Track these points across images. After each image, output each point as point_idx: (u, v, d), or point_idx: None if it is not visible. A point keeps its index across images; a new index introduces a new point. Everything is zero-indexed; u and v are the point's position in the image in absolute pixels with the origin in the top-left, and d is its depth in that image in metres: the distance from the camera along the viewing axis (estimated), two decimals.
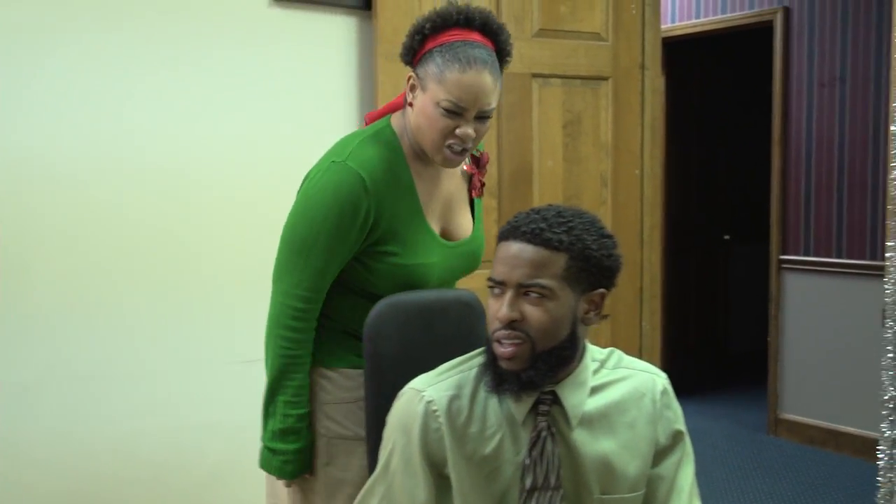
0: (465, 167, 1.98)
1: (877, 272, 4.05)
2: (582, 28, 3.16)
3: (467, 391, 1.54)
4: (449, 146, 1.79)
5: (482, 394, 1.54)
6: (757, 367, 5.61)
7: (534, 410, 1.52)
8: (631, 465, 1.57)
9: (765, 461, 4.54)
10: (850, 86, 4.44)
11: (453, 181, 1.96)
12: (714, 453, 4.68)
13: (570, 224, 1.49)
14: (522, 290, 1.48)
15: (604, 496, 1.55)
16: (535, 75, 3.08)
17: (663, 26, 5.23)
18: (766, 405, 5.03)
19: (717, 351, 6.26)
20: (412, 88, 1.83)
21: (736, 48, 5.95)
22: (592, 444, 1.54)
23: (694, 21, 5.26)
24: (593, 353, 1.63)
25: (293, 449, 1.84)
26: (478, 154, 1.98)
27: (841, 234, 4.55)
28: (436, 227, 1.91)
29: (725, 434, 5.03)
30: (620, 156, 3.23)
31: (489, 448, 1.52)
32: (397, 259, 1.84)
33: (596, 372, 1.60)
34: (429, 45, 1.78)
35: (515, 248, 1.49)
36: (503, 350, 1.48)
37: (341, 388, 1.89)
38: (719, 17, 5.11)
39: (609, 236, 1.54)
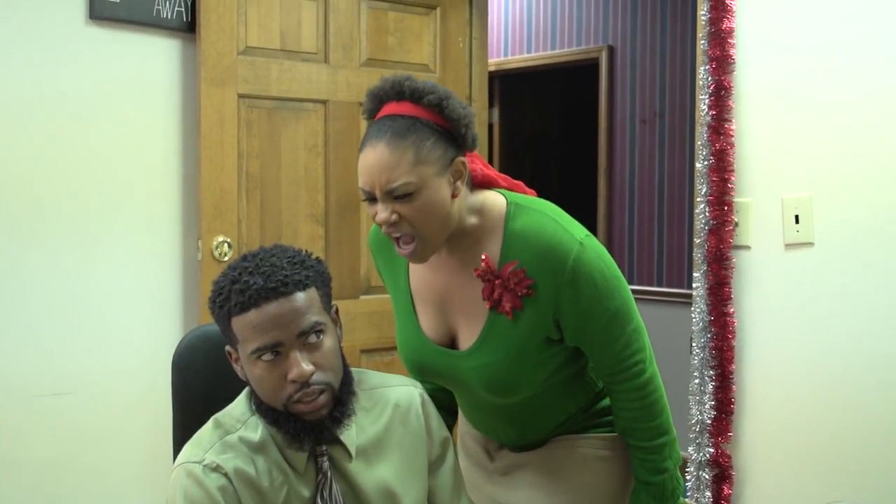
0: (477, 274, 1.66)
1: (689, 300, 4.25)
2: (410, 59, 3.20)
3: (242, 451, 1.48)
4: (390, 238, 1.62)
5: (253, 450, 1.48)
6: None
7: (312, 452, 1.51)
8: (413, 486, 1.58)
9: None
10: (668, 122, 4.67)
11: (462, 276, 1.69)
12: None
13: None
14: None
15: None
16: (361, 104, 3.08)
17: (498, 59, 5.37)
18: None
19: None
20: None
21: (568, 81, 6.16)
22: (371, 474, 1.54)
23: (526, 55, 5.41)
24: None
25: None
26: (484, 265, 1.64)
27: (661, 264, 4.76)
28: (430, 324, 1.74)
29: None
30: None
31: (281, 500, 1.47)
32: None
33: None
34: None
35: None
36: (306, 406, 1.45)
37: None
38: (549, 52, 5.28)
39: None
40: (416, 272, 1.76)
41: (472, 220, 1.66)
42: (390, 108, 1.58)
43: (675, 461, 1.75)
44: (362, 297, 3.12)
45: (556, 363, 1.71)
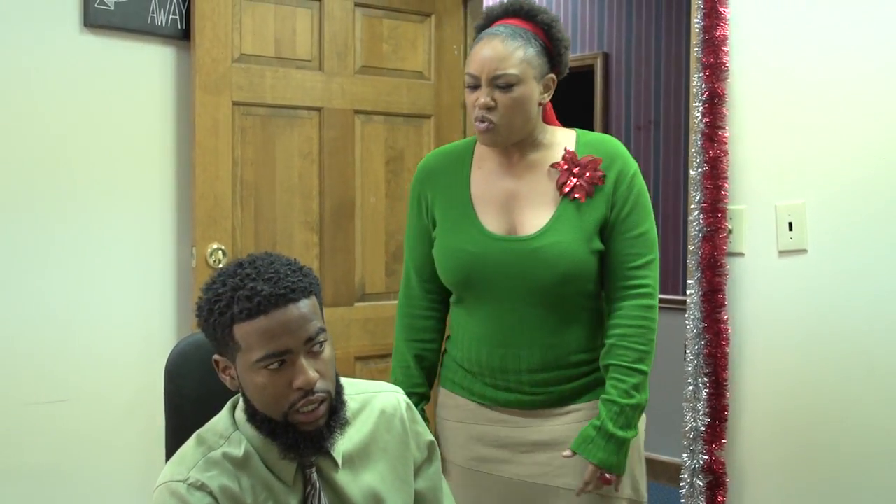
0: (554, 165, 1.93)
1: (683, 307, 4.25)
2: (404, 66, 3.20)
3: (226, 467, 1.46)
4: (476, 119, 1.86)
5: (237, 466, 1.46)
6: None
7: (300, 464, 1.49)
8: (399, 491, 1.58)
9: None
10: (663, 129, 4.68)
11: (531, 178, 1.94)
12: None
13: None
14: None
15: None
16: (357, 112, 3.09)
17: None
18: None
19: None
20: None
21: (563, 88, 6.16)
22: (358, 482, 1.54)
23: None
24: None
25: None
26: (568, 154, 1.91)
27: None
28: (492, 220, 1.92)
29: None
30: None
31: None
32: (439, 239, 1.97)
33: None
34: None
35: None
36: (306, 416, 1.43)
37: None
38: None
39: None
40: (481, 179, 1.97)
41: (545, 135, 1.96)
42: (504, 21, 1.88)
43: (642, 401, 1.88)
44: (357, 305, 3.11)
45: (597, 272, 1.93)
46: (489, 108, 1.83)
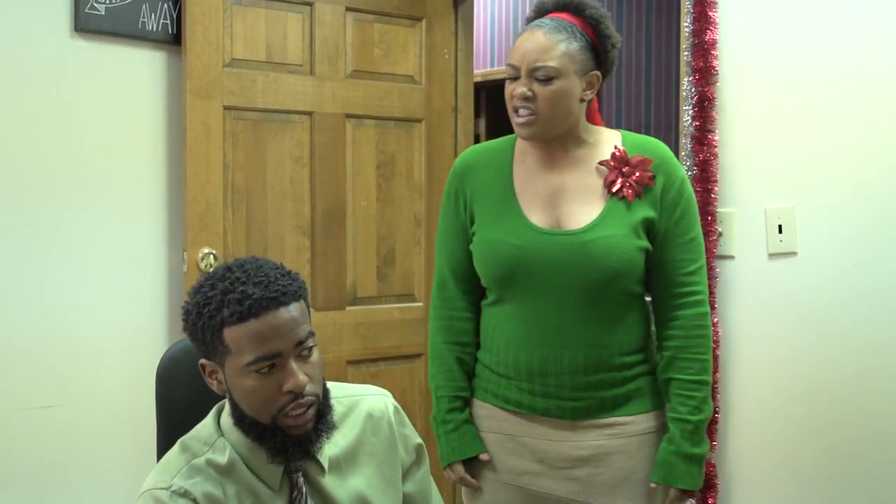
0: (602, 163, 1.88)
1: None
2: (395, 70, 3.21)
3: (210, 474, 1.45)
4: (513, 110, 1.84)
5: (221, 473, 1.46)
6: None
7: (287, 468, 1.49)
8: (386, 495, 1.58)
9: None
10: (654, 133, 4.69)
11: (576, 174, 1.89)
12: None
13: None
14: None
15: None
16: (348, 116, 3.09)
17: (485, 69, 5.39)
18: None
19: None
20: None
21: None
22: (344, 487, 1.54)
23: None
24: None
25: None
26: (619, 152, 1.87)
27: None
28: (536, 214, 1.87)
29: None
30: (433, 196, 3.27)
31: None
32: (480, 233, 1.91)
33: None
34: None
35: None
36: (294, 420, 1.44)
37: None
38: None
39: None
40: (524, 174, 1.92)
41: (590, 133, 1.92)
42: (553, 14, 1.86)
43: (710, 413, 1.86)
44: (349, 308, 3.11)
45: (643, 272, 1.88)
46: (527, 99, 1.80)
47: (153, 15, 2.78)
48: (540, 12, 1.89)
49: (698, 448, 1.83)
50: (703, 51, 2.52)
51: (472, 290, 1.99)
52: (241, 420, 1.46)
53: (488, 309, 1.97)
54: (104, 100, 2.72)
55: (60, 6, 2.63)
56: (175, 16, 2.81)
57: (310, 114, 3.02)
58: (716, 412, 2.53)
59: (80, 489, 2.68)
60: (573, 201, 1.87)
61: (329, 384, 1.58)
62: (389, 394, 1.71)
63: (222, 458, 1.46)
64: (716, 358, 2.52)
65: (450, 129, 3.32)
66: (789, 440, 2.46)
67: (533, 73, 1.79)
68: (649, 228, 1.86)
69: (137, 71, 2.79)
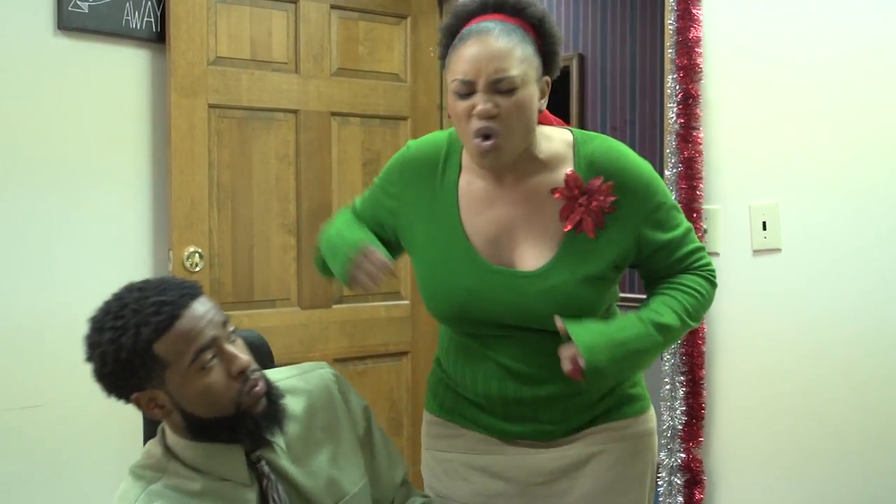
0: (556, 192, 1.64)
1: None
2: (380, 68, 3.20)
3: (169, 495, 1.41)
4: (475, 133, 1.55)
5: (183, 494, 1.42)
6: None
7: (250, 462, 1.48)
8: (349, 466, 1.59)
9: None
10: (639, 130, 4.70)
11: (528, 206, 1.66)
12: None
13: None
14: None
15: None
16: (333, 114, 3.09)
17: None
18: None
19: None
20: None
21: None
22: (307, 467, 1.54)
23: None
24: None
25: None
26: (570, 179, 1.63)
27: (632, 270, 4.78)
28: (486, 248, 1.65)
29: None
30: None
31: None
32: (423, 264, 1.70)
33: None
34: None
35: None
36: (252, 398, 1.43)
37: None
38: None
39: None
40: (472, 202, 1.68)
41: (543, 144, 1.66)
42: (492, 17, 1.58)
43: (665, 344, 1.64)
44: (335, 307, 3.11)
45: (606, 299, 1.69)
46: (491, 117, 1.53)
47: (137, 13, 2.77)
48: (464, 17, 1.61)
49: (626, 340, 1.58)
50: (688, 48, 2.53)
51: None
52: (203, 427, 1.43)
53: (449, 330, 1.78)
54: (88, 98, 2.71)
55: (43, 4, 2.62)
56: (159, 14, 2.80)
57: (295, 112, 3.02)
58: (702, 407, 2.54)
59: (62, 491, 2.66)
60: (524, 241, 1.65)
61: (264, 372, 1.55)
62: (326, 364, 1.70)
63: (178, 481, 1.43)
64: (701, 354, 2.53)
65: (435, 127, 3.32)
66: (775, 435, 2.48)
67: (495, 86, 1.53)
68: (626, 253, 1.66)
69: (121, 69, 2.78)
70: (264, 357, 1.84)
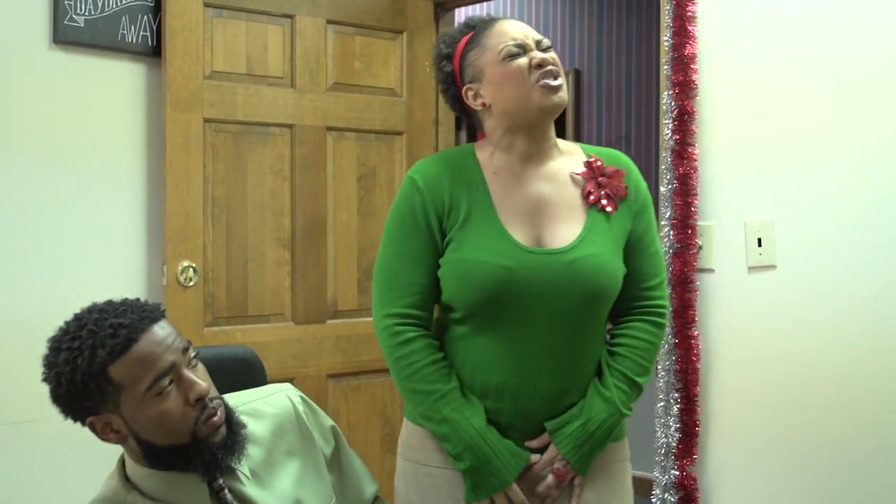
0: (577, 173, 1.79)
1: None
2: (376, 83, 3.21)
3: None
4: (539, 82, 1.73)
5: None
6: None
7: (212, 490, 1.45)
8: (315, 487, 1.57)
9: None
10: (634, 146, 4.71)
11: (553, 186, 1.78)
12: None
13: None
14: None
15: None
16: (329, 128, 3.09)
17: None
18: None
19: None
20: (475, 96, 1.80)
21: None
22: (271, 491, 1.51)
23: None
24: None
25: None
26: (592, 162, 1.80)
27: None
28: (519, 231, 1.72)
29: None
30: None
31: None
32: (456, 254, 1.72)
33: None
34: (458, 53, 1.83)
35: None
36: (210, 427, 1.40)
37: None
38: None
39: None
40: (502, 187, 1.78)
41: (558, 144, 1.86)
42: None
43: (626, 414, 1.76)
44: (329, 322, 3.10)
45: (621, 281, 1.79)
46: (548, 62, 1.74)
47: (133, 27, 2.77)
48: (455, 41, 1.85)
49: (604, 437, 1.72)
50: (683, 65, 2.54)
51: (429, 323, 1.80)
52: (158, 455, 1.40)
53: (450, 334, 1.80)
54: (83, 112, 2.71)
55: (39, 18, 2.62)
56: (155, 28, 2.80)
57: (290, 126, 3.02)
58: (696, 424, 2.53)
59: None
60: (554, 217, 1.75)
61: (225, 396, 1.53)
62: (290, 385, 1.67)
63: None
64: (696, 370, 2.52)
65: (431, 142, 3.32)
66: (770, 452, 2.47)
67: (539, 45, 1.76)
68: (626, 239, 1.79)
69: (117, 83, 2.78)
70: (257, 372, 1.84)
